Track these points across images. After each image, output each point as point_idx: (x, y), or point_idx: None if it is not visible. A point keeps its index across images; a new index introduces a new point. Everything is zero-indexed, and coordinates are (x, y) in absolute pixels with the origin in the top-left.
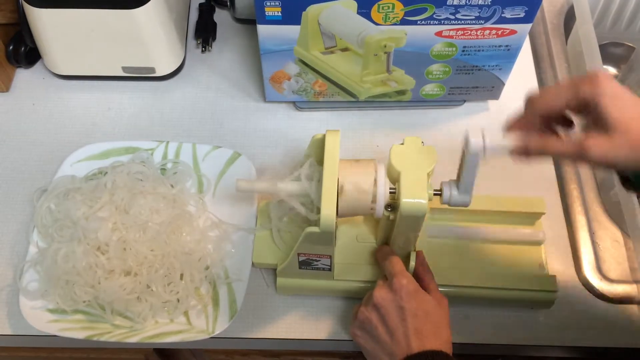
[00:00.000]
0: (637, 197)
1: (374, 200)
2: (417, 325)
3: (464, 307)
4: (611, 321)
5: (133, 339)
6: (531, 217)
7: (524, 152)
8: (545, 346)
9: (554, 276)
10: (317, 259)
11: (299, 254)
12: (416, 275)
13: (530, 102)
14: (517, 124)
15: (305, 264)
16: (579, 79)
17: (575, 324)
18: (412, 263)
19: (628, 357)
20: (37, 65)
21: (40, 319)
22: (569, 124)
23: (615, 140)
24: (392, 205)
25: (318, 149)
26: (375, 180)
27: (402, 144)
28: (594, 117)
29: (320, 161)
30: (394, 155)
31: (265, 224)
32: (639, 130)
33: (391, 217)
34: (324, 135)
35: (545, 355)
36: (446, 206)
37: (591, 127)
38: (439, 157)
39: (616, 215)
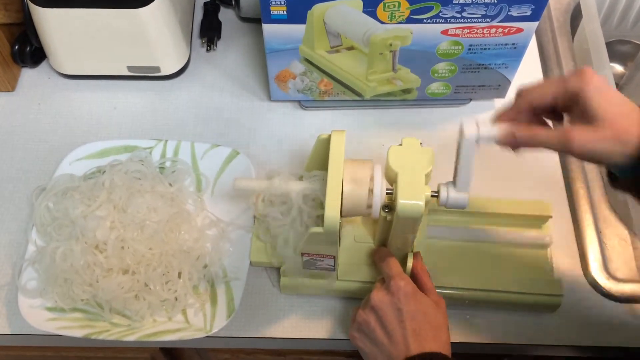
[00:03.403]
0: (626, 193)
1: (370, 201)
2: (415, 327)
3: (468, 309)
4: (618, 320)
5: (131, 337)
6: (538, 220)
7: (512, 141)
8: (552, 346)
9: (560, 280)
10: (321, 259)
11: (302, 254)
12: (413, 277)
13: (520, 93)
14: (506, 115)
15: (309, 264)
16: (568, 74)
17: (582, 323)
18: (409, 264)
19: (635, 357)
20: (43, 65)
21: (39, 317)
22: (559, 118)
23: (599, 132)
24: (390, 206)
25: (323, 149)
26: (372, 181)
27: (401, 144)
28: (581, 109)
29: (323, 162)
30: (392, 156)
31: (260, 223)
32: (624, 123)
33: (388, 218)
34: (330, 135)
35: (552, 355)
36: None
37: (578, 119)
38: (444, 156)
39: (623, 214)
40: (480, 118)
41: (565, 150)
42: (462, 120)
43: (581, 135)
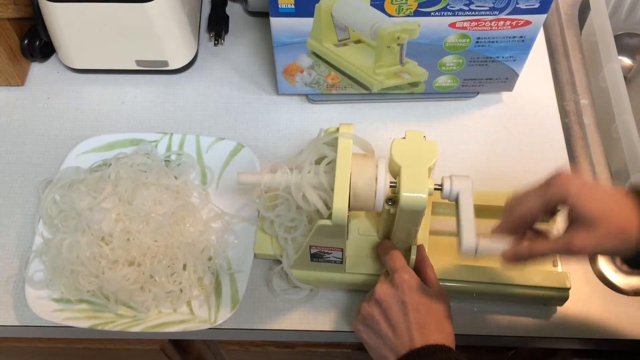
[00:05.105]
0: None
1: (374, 194)
2: (419, 320)
3: (475, 302)
4: (626, 314)
5: (136, 328)
6: None
7: (514, 258)
8: (559, 338)
9: (567, 273)
10: (329, 251)
11: (310, 247)
12: (417, 269)
13: (507, 211)
14: (502, 229)
15: (317, 257)
16: (546, 185)
17: (589, 316)
18: (413, 257)
19: None
20: (52, 59)
21: (46, 308)
22: (552, 214)
23: (598, 233)
24: (393, 199)
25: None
26: (376, 174)
27: (404, 137)
28: (572, 215)
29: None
30: (395, 149)
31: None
32: (618, 220)
33: (392, 211)
34: (337, 129)
35: (559, 348)
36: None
37: (574, 222)
38: (451, 149)
39: None
40: (481, 231)
41: (570, 255)
42: (463, 226)
43: (581, 241)
